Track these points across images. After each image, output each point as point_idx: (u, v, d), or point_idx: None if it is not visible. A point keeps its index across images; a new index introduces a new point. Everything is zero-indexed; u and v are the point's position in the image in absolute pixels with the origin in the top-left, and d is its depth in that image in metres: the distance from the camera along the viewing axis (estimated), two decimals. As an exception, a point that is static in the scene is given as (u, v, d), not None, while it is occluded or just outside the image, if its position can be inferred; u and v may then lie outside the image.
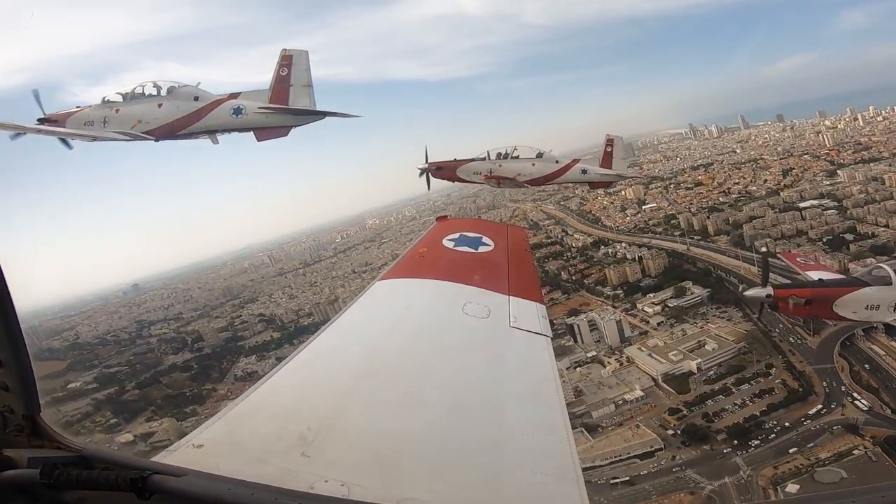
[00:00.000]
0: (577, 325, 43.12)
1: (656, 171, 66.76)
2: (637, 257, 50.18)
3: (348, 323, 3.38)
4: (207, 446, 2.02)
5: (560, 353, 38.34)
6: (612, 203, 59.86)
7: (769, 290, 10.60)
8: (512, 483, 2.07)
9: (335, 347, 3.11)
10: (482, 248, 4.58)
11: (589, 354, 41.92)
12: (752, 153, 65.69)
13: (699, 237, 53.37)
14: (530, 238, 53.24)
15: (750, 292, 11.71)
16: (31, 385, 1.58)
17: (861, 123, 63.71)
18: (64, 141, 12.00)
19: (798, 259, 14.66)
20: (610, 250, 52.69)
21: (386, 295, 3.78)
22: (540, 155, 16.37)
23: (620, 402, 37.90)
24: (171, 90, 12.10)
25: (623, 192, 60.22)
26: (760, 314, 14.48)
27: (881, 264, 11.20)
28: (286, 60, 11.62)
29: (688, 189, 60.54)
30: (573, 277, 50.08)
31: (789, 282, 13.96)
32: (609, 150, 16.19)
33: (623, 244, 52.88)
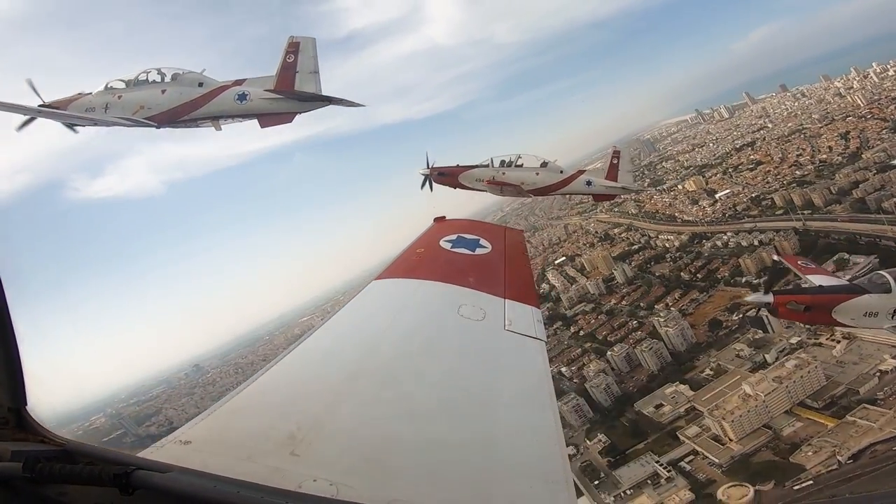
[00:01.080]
0: (766, 317, 33.10)
1: (697, 159, 61.56)
2: (759, 242, 41.55)
3: (342, 322, 3.36)
4: (195, 443, 2.00)
5: (758, 345, 35.07)
6: (676, 199, 52.88)
7: (770, 297, 10.59)
8: (502, 486, 2.08)
9: (328, 346, 3.10)
10: (479, 250, 4.57)
11: (793, 341, 36.28)
12: (789, 125, 61.45)
13: (808, 211, 45.91)
14: (612, 252, 46.55)
15: (751, 297, 11.76)
16: (18, 378, 1.55)
17: (876, 80, 61.08)
18: (70, 126, 12.04)
19: (799, 262, 14.42)
20: (717, 242, 43.94)
21: (381, 295, 3.77)
22: (544, 164, 16.25)
23: (876, 373, 32.50)
24: (175, 76, 11.98)
25: (681, 187, 54.15)
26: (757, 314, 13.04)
27: (881, 272, 11.02)
28: (293, 47, 11.61)
29: (750, 170, 54.43)
30: (698, 276, 43.56)
31: (790, 287, 14.42)
32: (615, 161, 16.11)
33: (727, 234, 44.40)
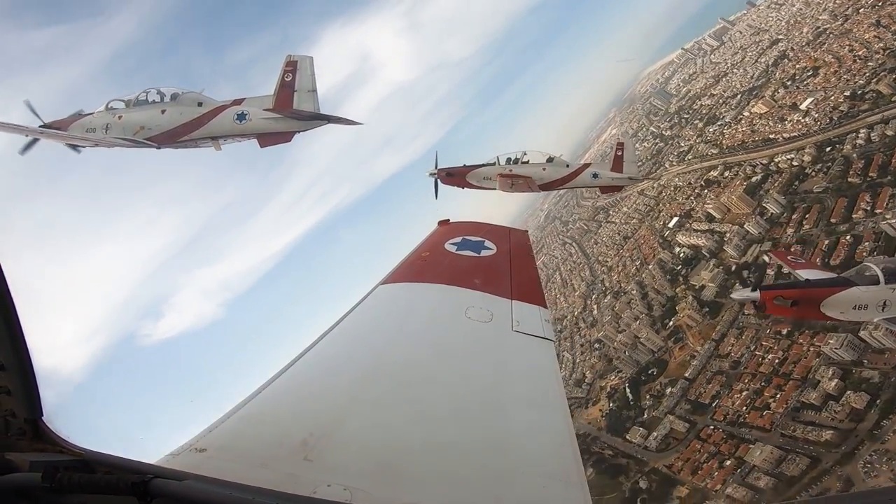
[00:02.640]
0: None
1: (734, 87, 60.61)
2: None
3: (351, 327, 3.39)
4: (210, 451, 2.07)
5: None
6: (753, 125, 50.74)
7: (756, 293, 10.40)
8: (515, 487, 2.13)
9: (338, 352, 3.14)
10: (484, 252, 4.66)
11: None
12: (803, 31, 61.80)
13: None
14: (734, 190, 43.05)
15: (736, 294, 11.94)
16: (34, 389, 1.60)
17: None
18: (73, 147, 12.34)
19: (789, 258, 14.17)
20: (857, 142, 40.98)
21: (388, 299, 3.83)
22: (550, 159, 16.55)
23: None
24: (174, 96, 12.23)
25: (748, 113, 52.17)
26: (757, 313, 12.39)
27: (868, 263, 10.88)
28: (290, 66, 11.84)
29: (811, 76, 53.25)
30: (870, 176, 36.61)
31: (777, 282, 14.92)
32: (619, 153, 16.18)
33: (858, 132, 41.75)
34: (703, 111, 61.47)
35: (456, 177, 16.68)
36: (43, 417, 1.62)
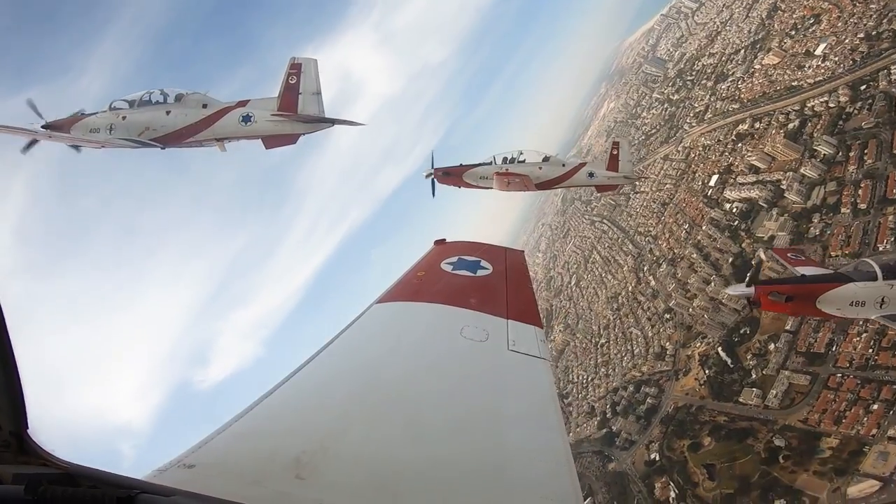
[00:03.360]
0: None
1: (735, 43, 61.12)
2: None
3: (345, 346, 3.40)
4: (199, 467, 2.04)
5: None
6: (768, 76, 51.04)
7: (751, 289, 10.36)
8: None
9: (332, 370, 3.14)
10: (480, 272, 4.70)
11: None
12: None
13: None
14: (774, 139, 43.02)
15: (731, 290, 12.13)
16: (20, 402, 1.58)
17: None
18: (74, 147, 12.27)
19: (789, 255, 13.74)
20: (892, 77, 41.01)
21: (383, 318, 3.86)
22: (546, 159, 16.80)
23: None
24: (178, 97, 12.22)
25: (759, 65, 52.46)
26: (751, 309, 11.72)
27: (866, 259, 10.93)
28: (295, 69, 11.89)
29: (814, 24, 53.84)
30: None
31: (772, 277, 15.01)
32: (615, 153, 16.75)
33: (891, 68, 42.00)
34: (709, 70, 61.66)
35: (453, 176, 16.95)
36: (28, 430, 1.59)
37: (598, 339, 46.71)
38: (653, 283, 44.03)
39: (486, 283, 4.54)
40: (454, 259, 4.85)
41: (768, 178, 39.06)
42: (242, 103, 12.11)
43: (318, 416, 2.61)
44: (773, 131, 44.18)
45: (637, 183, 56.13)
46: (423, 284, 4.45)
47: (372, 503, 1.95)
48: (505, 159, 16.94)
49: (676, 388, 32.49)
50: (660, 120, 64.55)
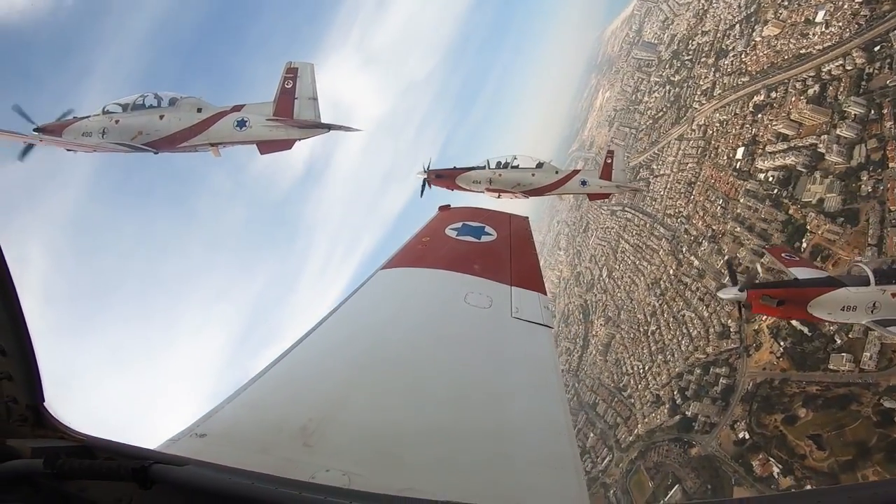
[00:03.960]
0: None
1: (728, 19, 62.67)
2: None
3: (350, 313, 3.44)
4: (209, 436, 2.11)
5: None
6: (770, 48, 52.22)
7: (743, 293, 10.56)
8: (512, 474, 2.17)
9: (337, 337, 3.18)
10: (485, 238, 4.71)
11: None
12: None
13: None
14: (796, 104, 43.54)
15: (723, 293, 11.64)
16: (36, 375, 1.63)
17: None
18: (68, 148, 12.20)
19: (783, 255, 14.05)
20: None
21: (387, 284, 3.89)
22: (540, 165, 16.98)
23: None
24: (172, 101, 12.10)
25: (760, 38, 53.60)
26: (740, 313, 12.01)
27: (859, 264, 11.15)
28: (291, 73, 11.76)
29: None
30: None
31: (764, 281, 15.65)
32: (609, 161, 16.90)
33: None
34: (706, 48, 62.89)
35: (445, 179, 17.15)
36: (44, 404, 1.63)
37: (646, 328, 46.24)
38: (696, 262, 43.93)
39: (490, 249, 4.54)
40: (458, 225, 4.86)
41: (801, 144, 39.49)
42: (237, 108, 12.00)
43: (323, 383, 2.65)
44: (793, 98, 44.91)
45: (642, 183, 57.16)
46: (427, 250, 4.45)
47: (377, 469, 1.99)
48: (499, 164, 17.08)
49: (750, 365, 32.06)
50: (665, 102, 65.52)
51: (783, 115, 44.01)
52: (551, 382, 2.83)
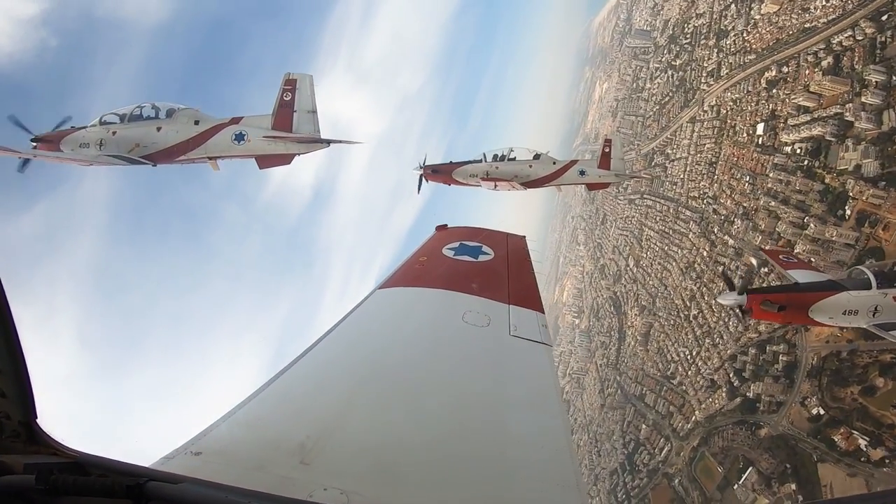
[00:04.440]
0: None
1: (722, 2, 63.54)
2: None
3: (348, 331, 3.43)
4: (205, 454, 2.06)
5: None
6: (772, 25, 53.23)
7: (743, 297, 10.61)
8: (512, 492, 2.12)
9: (335, 355, 3.16)
10: (482, 257, 4.73)
11: None
12: None
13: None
14: (811, 74, 44.16)
15: (723, 299, 11.61)
16: (28, 391, 1.62)
17: None
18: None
19: (781, 257, 14.31)
20: None
21: (385, 303, 3.89)
22: (537, 156, 16.88)
23: None
24: (170, 112, 11.95)
25: (759, 14, 54.47)
26: (742, 318, 12.55)
27: (861, 267, 11.17)
28: (289, 85, 11.55)
29: None
30: None
31: (763, 286, 14.91)
32: (607, 150, 16.75)
33: None
34: (704, 30, 63.90)
35: (441, 173, 17.02)
36: (37, 420, 1.62)
37: (686, 313, 46.21)
38: (731, 241, 44.12)
39: (487, 268, 4.63)
40: (456, 244, 4.93)
41: (824, 115, 40.05)
42: (235, 120, 11.87)
43: (321, 401, 2.63)
44: (807, 71, 45.70)
45: (658, 169, 57.61)
46: (424, 270, 4.50)
47: (375, 488, 1.97)
48: (495, 157, 16.98)
49: (811, 340, 32.05)
50: (670, 87, 66.39)
51: (799, 88, 44.76)
52: (550, 400, 2.84)
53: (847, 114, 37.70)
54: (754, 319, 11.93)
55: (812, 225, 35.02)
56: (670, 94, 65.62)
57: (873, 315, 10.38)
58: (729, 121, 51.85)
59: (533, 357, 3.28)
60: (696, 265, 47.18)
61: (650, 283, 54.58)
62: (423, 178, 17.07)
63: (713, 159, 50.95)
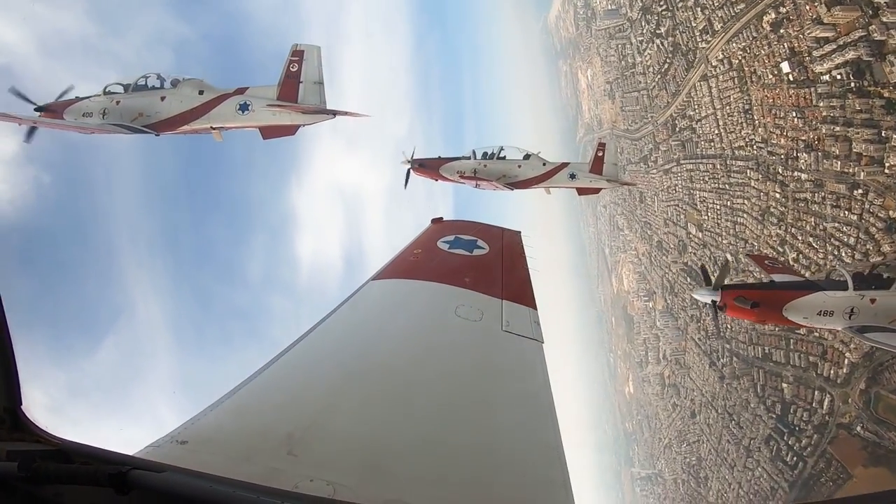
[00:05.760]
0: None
1: None
2: None
3: (339, 322, 3.56)
4: (191, 443, 2.14)
5: None
6: None
7: (717, 294, 11.08)
8: (500, 487, 2.22)
9: (325, 347, 3.29)
10: (477, 251, 4.93)
11: None
12: None
13: None
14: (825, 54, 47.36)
15: (697, 294, 12.18)
16: (14, 378, 1.65)
17: None
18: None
19: (766, 262, 15.01)
20: None
21: (378, 295, 4.09)
22: (527, 157, 17.43)
23: None
24: (174, 82, 12.62)
25: None
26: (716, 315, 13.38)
27: (839, 268, 11.73)
28: (297, 56, 12.03)
29: None
30: None
31: (738, 283, 14.98)
32: (600, 154, 17.37)
33: None
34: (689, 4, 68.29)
35: (429, 168, 17.56)
36: (22, 407, 1.69)
37: (785, 257, 47.54)
38: (804, 176, 46.12)
39: (481, 262, 4.83)
40: (450, 238, 5.15)
41: (849, 40, 43.37)
42: (241, 90, 12.26)
43: (309, 392, 2.76)
44: (808, 7, 49.65)
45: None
46: (418, 262, 4.71)
47: (362, 480, 2.07)
48: (485, 154, 17.46)
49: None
50: (664, 55, 70.39)
51: (808, 22, 48.46)
52: (541, 396, 2.95)
53: (875, 34, 41.05)
54: (729, 316, 12.26)
55: (894, 137, 37.27)
56: (667, 60, 69.46)
57: (849, 317, 10.62)
58: (746, 68, 55.26)
59: (525, 353, 3.41)
60: (772, 210, 48.94)
61: (724, 242, 56.05)
62: (410, 172, 17.47)
63: (746, 106, 53.88)
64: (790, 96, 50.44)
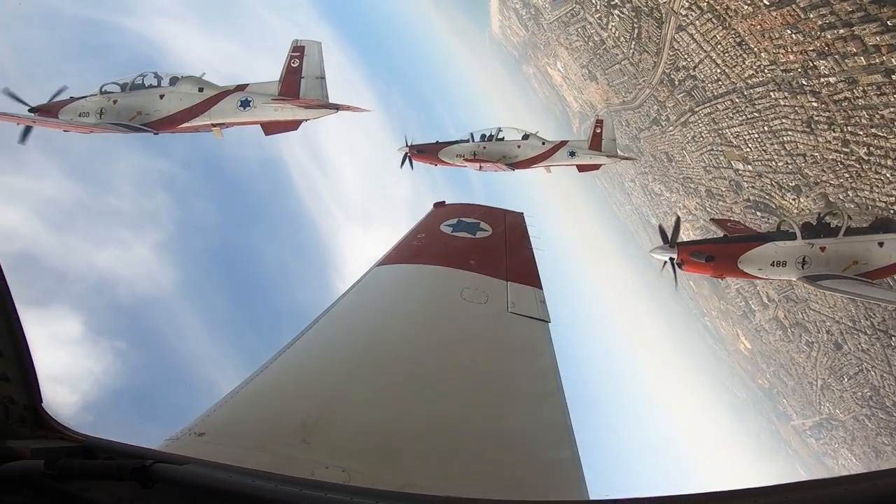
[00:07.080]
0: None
1: None
2: None
3: (347, 309, 3.76)
4: (209, 435, 2.29)
5: None
6: None
7: (674, 251, 11.85)
8: (511, 468, 2.34)
9: (334, 334, 3.46)
10: (480, 234, 5.19)
11: None
12: None
13: None
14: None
15: (653, 252, 12.80)
16: (32, 375, 1.74)
17: None
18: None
19: (728, 224, 16.01)
20: None
21: (384, 281, 4.26)
22: (526, 137, 18.27)
23: None
24: (173, 80, 12.71)
25: None
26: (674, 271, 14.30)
27: (788, 219, 12.46)
28: (297, 51, 12.36)
29: None
30: None
31: (694, 239, 15.76)
32: (598, 131, 18.39)
33: None
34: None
35: (427, 154, 18.16)
36: (42, 404, 1.80)
37: (855, 157, 48.23)
38: (832, 80, 47.41)
39: (485, 244, 5.01)
40: (453, 221, 5.35)
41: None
42: (241, 87, 12.58)
43: (321, 380, 2.91)
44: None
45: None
46: (422, 247, 4.87)
47: (376, 465, 2.19)
48: (483, 136, 18.02)
49: None
50: (628, 21, 73.61)
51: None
52: (549, 376, 3.07)
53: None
54: (687, 272, 12.77)
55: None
56: (635, 25, 72.65)
57: (802, 266, 11.13)
58: (718, 7, 58.16)
59: (531, 333, 3.55)
60: (815, 118, 49.96)
61: (780, 164, 56.53)
62: (409, 159, 18.01)
63: (737, 40, 56.29)
64: (775, 18, 52.78)
